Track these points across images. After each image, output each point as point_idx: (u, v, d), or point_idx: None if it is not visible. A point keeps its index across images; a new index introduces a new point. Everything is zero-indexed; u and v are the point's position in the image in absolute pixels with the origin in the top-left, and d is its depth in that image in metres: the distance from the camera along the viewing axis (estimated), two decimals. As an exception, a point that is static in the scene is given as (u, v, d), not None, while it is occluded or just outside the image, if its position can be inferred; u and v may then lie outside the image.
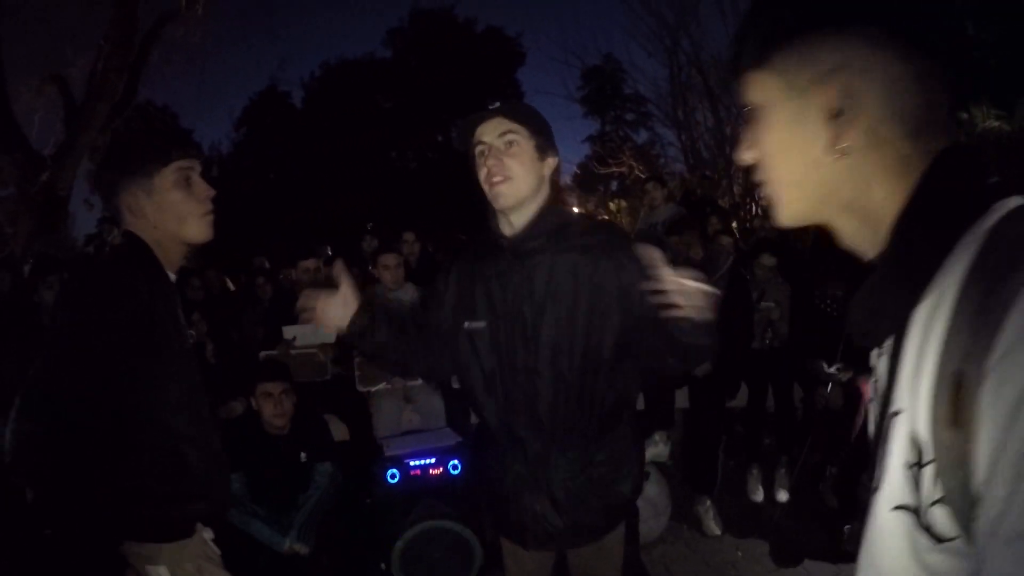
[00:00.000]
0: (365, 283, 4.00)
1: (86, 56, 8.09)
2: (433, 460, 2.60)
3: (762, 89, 0.64)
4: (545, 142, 1.38)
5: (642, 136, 16.78)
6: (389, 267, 3.57)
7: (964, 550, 0.51)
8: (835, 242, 0.68)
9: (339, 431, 3.30)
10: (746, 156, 0.68)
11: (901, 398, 0.56)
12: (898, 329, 0.57)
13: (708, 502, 3.21)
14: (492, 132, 1.33)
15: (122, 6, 7.64)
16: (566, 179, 14.96)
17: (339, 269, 1.42)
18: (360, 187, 15.66)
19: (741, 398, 3.57)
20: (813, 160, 0.60)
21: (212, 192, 1.37)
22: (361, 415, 3.18)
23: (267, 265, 5.25)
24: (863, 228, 0.62)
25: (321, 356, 3.23)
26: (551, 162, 1.39)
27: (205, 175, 1.39)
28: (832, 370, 3.10)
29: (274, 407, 2.52)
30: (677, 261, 3.79)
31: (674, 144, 14.00)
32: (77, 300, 1.24)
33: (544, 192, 1.40)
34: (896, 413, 0.56)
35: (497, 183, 1.33)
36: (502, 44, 17.75)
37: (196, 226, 1.35)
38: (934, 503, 0.52)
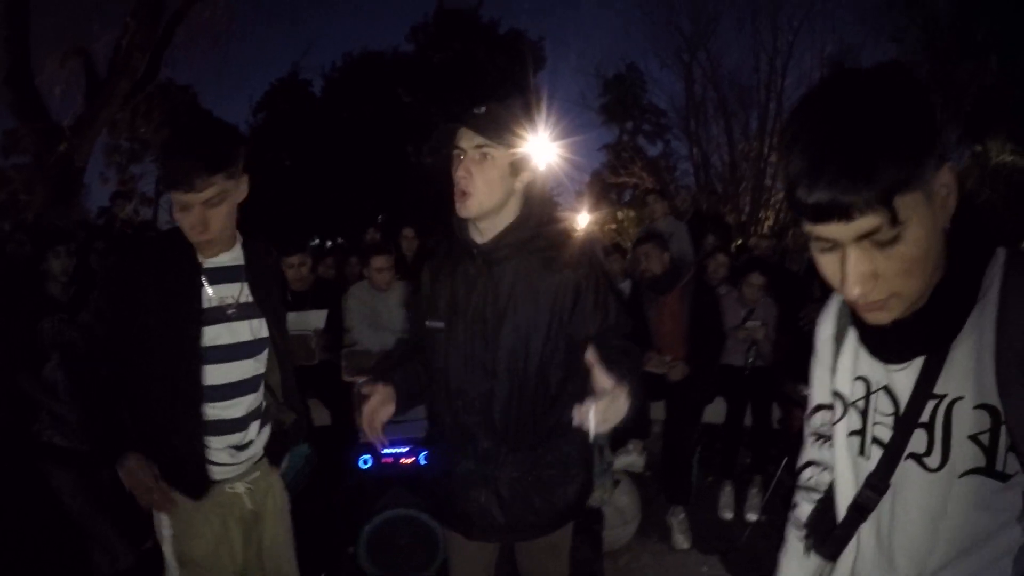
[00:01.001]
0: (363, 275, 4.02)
1: (111, 32, 8.26)
2: (405, 449, 2.66)
3: (910, 206, 0.65)
4: (522, 157, 1.40)
5: (658, 148, 16.81)
6: (382, 269, 3.63)
7: None
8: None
9: (322, 417, 3.37)
10: (869, 286, 0.68)
11: (958, 388, 0.73)
12: (941, 343, 0.73)
13: (682, 514, 3.23)
14: (469, 141, 1.37)
15: (150, -15, 7.78)
16: (579, 185, 15.01)
17: (369, 386, 1.49)
18: (374, 179, 15.76)
19: (720, 414, 3.59)
20: (940, 248, 0.71)
21: (199, 230, 1.44)
22: (344, 402, 3.25)
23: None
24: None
25: (310, 343, 3.29)
26: (525, 176, 1.42)
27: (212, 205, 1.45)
28: (810, 393, 3.12)
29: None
30: (641, 271, 3.81)
31: (687, 159, 14.05)
32: (104, 271, 1.55)
33: (513, 206, 1.44)
34: (955, 400, 0.73)
35: (459, 195, 1.39)
36: (524, 47, 17.81)
37: (195, 242, 1.49)
38: (1008, 450, 0.69)
